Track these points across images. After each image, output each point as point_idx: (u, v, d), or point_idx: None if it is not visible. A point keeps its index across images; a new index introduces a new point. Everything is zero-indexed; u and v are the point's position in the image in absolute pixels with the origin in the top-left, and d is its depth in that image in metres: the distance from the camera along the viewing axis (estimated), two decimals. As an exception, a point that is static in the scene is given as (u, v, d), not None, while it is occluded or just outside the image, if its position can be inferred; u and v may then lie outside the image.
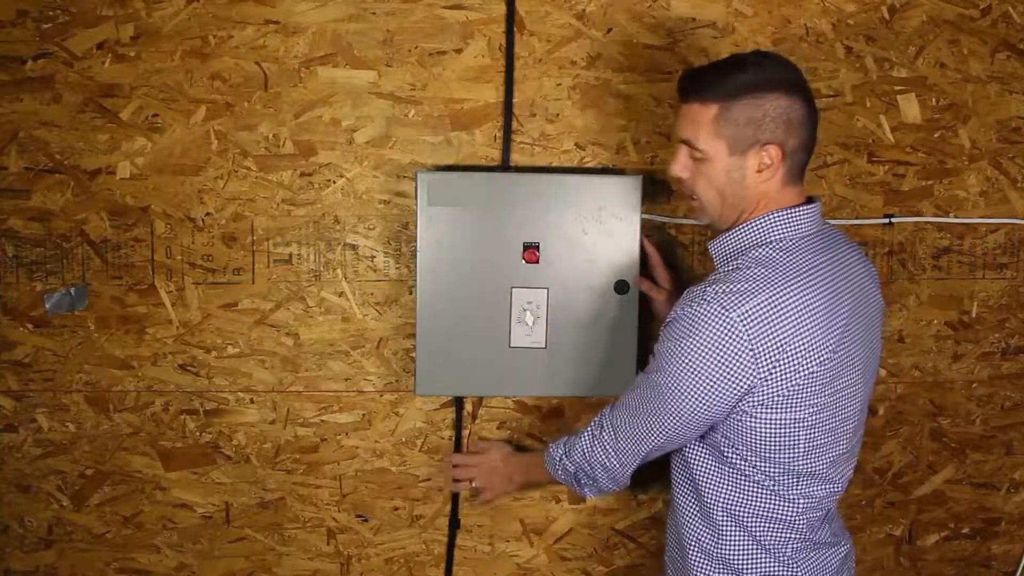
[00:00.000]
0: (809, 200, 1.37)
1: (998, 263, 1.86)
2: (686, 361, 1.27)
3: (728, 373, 1.25)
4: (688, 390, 1.28)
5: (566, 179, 1.65)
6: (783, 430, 1.30)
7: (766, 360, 1.25)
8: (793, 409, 1.28)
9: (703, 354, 1.25)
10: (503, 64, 1.70)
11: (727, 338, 1.24)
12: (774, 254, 1.30)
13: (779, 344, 1.25)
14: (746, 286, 1.25)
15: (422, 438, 1.80)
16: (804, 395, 1.28)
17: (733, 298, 1.24)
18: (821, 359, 1.28)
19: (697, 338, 1.25)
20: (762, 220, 1.33)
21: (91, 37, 1.64)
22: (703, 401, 1.28)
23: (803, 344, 1.26)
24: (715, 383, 1.26)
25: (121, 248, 1.70)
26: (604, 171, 1.74)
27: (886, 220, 1.82)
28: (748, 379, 1.26)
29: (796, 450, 1.31)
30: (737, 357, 1.24)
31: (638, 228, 1.66)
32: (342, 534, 1.82)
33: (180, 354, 1.73)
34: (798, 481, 1.34)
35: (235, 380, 1.75)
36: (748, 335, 1.23)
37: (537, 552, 1.86)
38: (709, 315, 1.24)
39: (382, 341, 1.76)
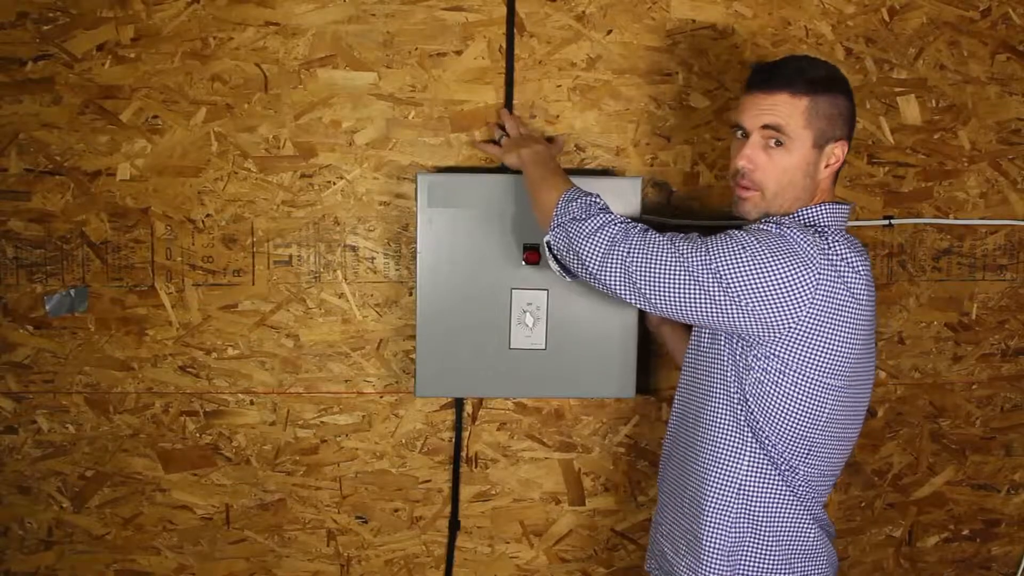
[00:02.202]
0: (843, 202, 1.43)
1: (998, 264, 1.86)
2: (757, 249, 1.28)
3: (800, 269, 1.26)
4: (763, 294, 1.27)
5: (566, 181, 1.65)
6: (812, 393, 1.31)
7: (826, 288, 1.27)
8: (829, 370, 1.30)
9: (777, 250, 1.28)
10: (503, 66, 1.70)
11: (803, 245, 1.28)
12: (830, 237, 1.33)
13: (841, 286, 1.28)
14: (813, 235, 1.30)
15: (422, 439, 1.80)
16: (841, 360, 1.30)
17: (805, 233, 1.29)
18: (864, 332, 1.32)
19: (770, 241, 1.29)
20: (818, 208, 1.37)
21: (91, 39, 1.64)
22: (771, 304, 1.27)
23: (857, 306, 1.29)
24: (788, 270, 1.27)
25: (121, 250, 1.70)
26: (604, 173, 1.74)
27: (886, 222, 1.82)
28: (811, 292, 1.26)
29: (818, 418, 1.33)
30: (809, 263, 1.26)
31: (638, 230, 1.66)
32: (342, 535, 1.82)
33: (180, 356, 1.73)
34: (808, 454, 1.35)
35: (235, 382, 1.75)
36: (822, 258, 1.27)
37: (537, 554, 1.86)
38: (782, 233, 1.29)
39: (382, 342, 1.76)
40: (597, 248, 1.34)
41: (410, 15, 1.68)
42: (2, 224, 1.68)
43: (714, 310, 1.29)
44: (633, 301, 1.34)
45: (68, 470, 1.75)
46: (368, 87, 1.69)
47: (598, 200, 1.39)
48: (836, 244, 1.30)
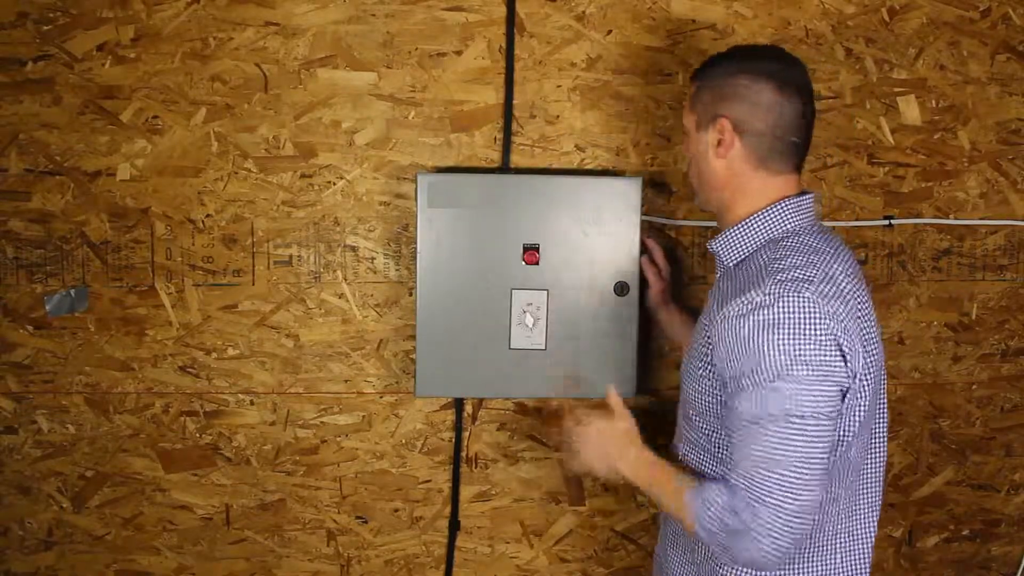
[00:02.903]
0: (803, 193, 1.32)
1: (998, 265, 1.86)
2: (790, 354, 1.16)
3: (831, 347, 1.17)
4: (816, 381, 1.16)
5: (566, 181, 1.65)
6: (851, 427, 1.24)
7: (847, 331, 1.19)
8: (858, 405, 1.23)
9: (800, 340, 1.16)
10: (503, 66, 1.70)
11: (813, 314, 1.16)
12: (797, 241, 1.26)
13: (851, 318, 1.20)
14: (798, 272, 1.19)
15: (422, 440, 1.80)
16: (864, 390, 1.23)
17: (794, 284, 1.18)
18: (875, 353, 1.25)
19: (784, 329, 1.16)
20: (766, 216, 1.28)
21: (91, 39, 1.64)
22: (833, 384, 1.17)
23: (864, 328, 1.23)
24: (829, 360, 1.17)
25: (121, 250, 1.70)
26: (604, 173, 1.74)
27: (886, 222, 1.82)
28: (843, 353, 1.18)
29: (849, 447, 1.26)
30: (830, 330, 1.17)
31: (638, 230, 1.66)
32: (342, 536, 1.82)
33: (180, 356, 1.73)
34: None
35: (235, 382, 1.75)
36: (829, 309, 1.17)
37: (537, 554, 1.86)
38: (784, 305, 1.17)
39: (382, 343, 1.76)
40: (763, 542, 1.15)
41: (410, 15, 1.68)
42: (2, 224, 1.68)
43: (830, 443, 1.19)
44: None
45: (68, 470, 1.75)
46: (368, 87, 1.69)
47: (709, 504, 1.20)
48: (816, 257, 1.22)
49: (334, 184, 1.71)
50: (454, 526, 1.83)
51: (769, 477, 1.14)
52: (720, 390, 1.26)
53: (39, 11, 1.62)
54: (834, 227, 1.80)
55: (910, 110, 1.80)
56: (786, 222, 1.29)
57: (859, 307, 1.23)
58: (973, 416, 1.91)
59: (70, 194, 1.67)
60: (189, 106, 1.67)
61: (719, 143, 1.30)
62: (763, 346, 1.16)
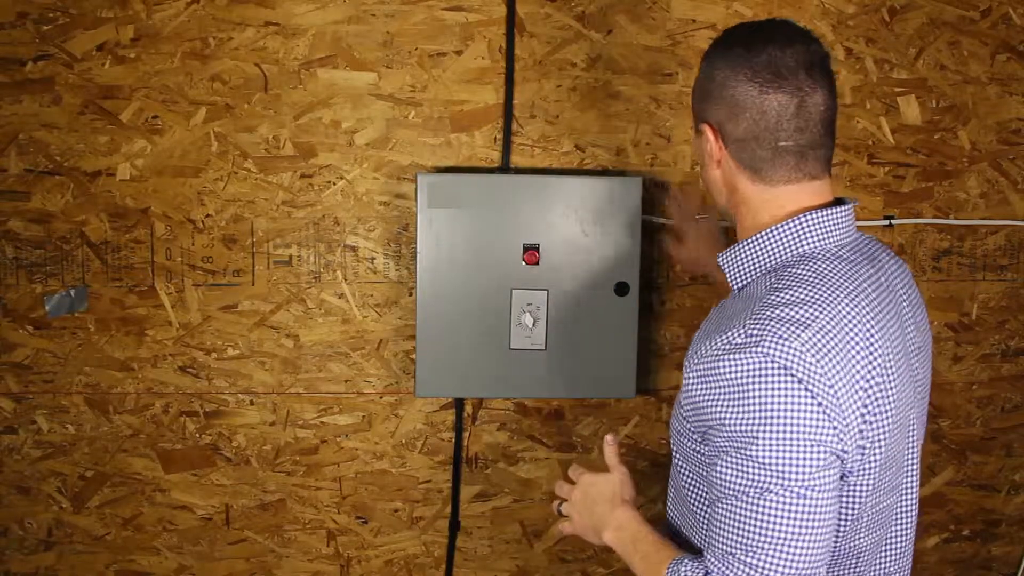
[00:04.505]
0: (838, 202, 1.07)
1: (998, 265, 1.86)
2: (766, 412, 0.94)
3: (816, 412, 0.94)
4: (799, 448, 0.94)
5: (566, 181, 1.65)
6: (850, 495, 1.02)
7: (837, 398, 0.96)
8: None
9: (779, 395, 0.94)
10: (503, 66, 1.70)
11: (796, 369, 0.94)
12: (808, 270, 1.02)
13: (850, 381, 0.97)
14: (794, 312, 0.97)
15: (422, 440, 1.80)
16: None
17: (782, 326, 0.96)
18: (888, 417, 1.01)
19: (762, 380, 0.95)
20: (791, 225, 1.04)
21: (91, 39, 1.64)
22: (824, 452, 0.94)
23: (880, 389, 0.99)
24: (814, 424, 0.94)
25: (121, 250, 1.70)
26: (604, 172, 1.74)
27: (886, 222, 1.81)
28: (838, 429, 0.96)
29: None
30: (815, 392, 0.94)
31: (638, 230, 1.66)
32: (342, 536, 1.82)
33: (180, 356, 1.73)
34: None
35: (235, 382, 1.75)
36: (818, 368, 0.95)
37: (537, 553, 1.86)
38: (763, 351, 0.95)
39: (382, 343, 1.76)
40: None
41: (410, 15, 1.68)
42: (2, 224, 1.68)
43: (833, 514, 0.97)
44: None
45: (68, 470, 1.75)
46: (368, 87, 1.69)
47: None
48: (825, 292, 0.98)
49: (334, 184, 1.71)
50: (454, 526, 1.83)
51: (753, 566, 0.94)
52: (699, 448, 1.05)
53: (39, 11, 1.62)
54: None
55: (910, 110, 1.79)
56: (800, 243, 1.04)
57: (875, 367, 0.99)
58: (973, 416, 1.91)
59: (70, 194, 1.67)
60: (189, 106, 1.67)
61: (708, 150, 1.07)
62: (738, 400, 0.95)
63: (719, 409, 0.97)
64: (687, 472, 1.11)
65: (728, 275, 1.10)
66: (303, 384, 1.76)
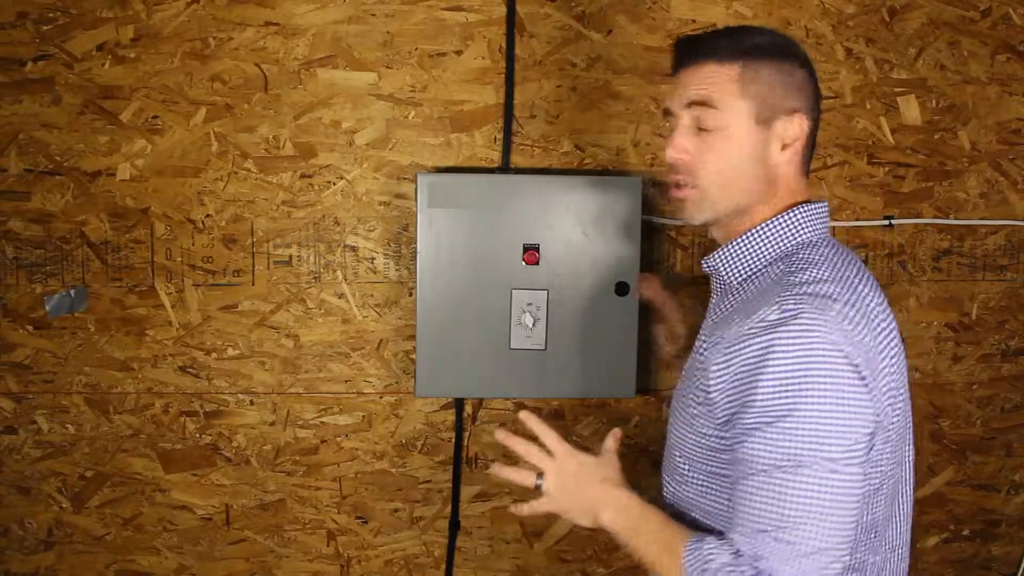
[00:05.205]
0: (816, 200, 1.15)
1: (998, 265, 1.86)
2: (807, 384, 0.95)
3: (855, 380, 0.97)
4: (839, 418, 0.95)
5: (566, 181, 1.65)
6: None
7: (871, 365, 0.99)
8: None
9: (821, 366, 0.95)
10: (503, 66, 1.70)
11: (837, 339, 0.96)
12: (817, 254, 1.06)
13: (877, 351, 1.01)
14: (822, 288, 1.00)
15: (422, 440, 1.80)
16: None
17: (817, 300, 0.98)
18: (903, 397, 1.06)
19: (801, 353, 0.96)
20: (790, 217, 1.08)
21: (91, 39, 1.64)
22: (860, 423, 0.96)
23: (893, 366, 1.03)
24: (854, 393, 0.96)
25: (121, 250, 1.70)
26: (604, 173, 1.74)
27: (886, 222, 1.81)
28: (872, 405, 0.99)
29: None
30: (854, 360, 0.97)
31: (638, 230, 1.66)
32: (342, 536, 1.82)
33: (180, 356, 1.73)
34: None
35: (235, 382, 1.75)
36: (855, 336, 0.98)
37: (537, 553, 1.86)
38: (803, 324, 0.97)
39: (382, 343, 1.76)
40: None
41: (410, 15, 1.68)
42: (2, 224, 1.68)
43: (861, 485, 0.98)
44: None
45: (68, 470, 1.75)
46: (368, 87, 1.69)
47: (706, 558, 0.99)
48: (847, 273, 1.03)
49: (334, 184, 1.71)
50: (454, 526, 1.83)
51: (784, 541, 0.94)
52: (717, 435, 1.04)
53: (39, 11, 1.62)
54: (834, 227, 1.80)
55: (910, 110, 1.79)
56: (804, 231, 1.09)
57: (888, 341, 1.04)
58: (973, 416, 1.91)
59: (70, 194, 1.67)
60: (189, 106, 1.67)
61: (786, 143, 1.08)
62: (775, 374, 0.95)
63: (753, 385, 0.97)
64: (689, 464, 1.11)
65: (725, 272, 1.12)
66: (303, 384, 1.76)
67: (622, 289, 1.67)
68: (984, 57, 1.80)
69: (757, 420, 0.97)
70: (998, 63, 1.80)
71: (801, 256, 1.06)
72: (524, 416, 1.14)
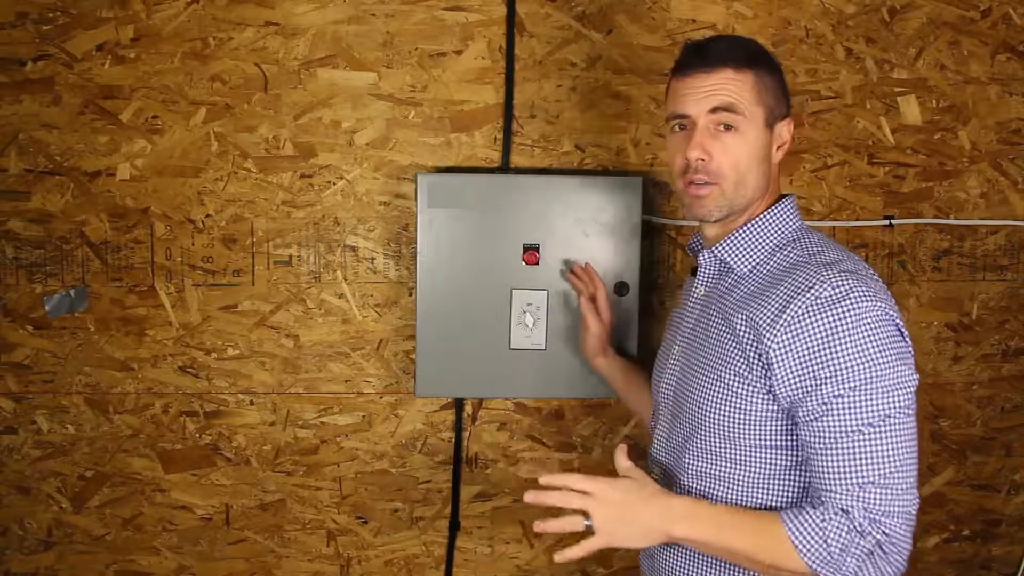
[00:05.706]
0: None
1: (998, 265, 1.86)
2: (879, 347, 1.09)
3: (905, 340, 1.13)
4: (905, 375, 1.10)
5: (566, 181, 1.65)
6: None
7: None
8: None
9: (884, 330, 1.09)
10: (503, 66, 1.70)
11: (885, 306, 1.11)
12: (817, 239, 1.21)
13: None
14: (850, 266, 1.14)
15: (422, 440, 1.80)
16: None
17: (855, 276, 1.11)
18: None
19: (867, 320, 1.09)
20: (784, 207, 1.24)
21: (91, 39, 1.64)
22: (914, 377, 1.11)
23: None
24: (907, 352, 1.12)
25: (121, 250, 1.70)
26: (604, 172, 1.74)
27: (886, 222, 1.81)
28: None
29: None
30: (899, 324, 1.12)
31: (638, 230, 1.66)
32: (342, 536, 1.82)
33: (180, 356, 1.73)
34: None
35: (235, 382, 1.75)
36: (893, 303, 1.13)
37: (537, 554, 1.86)
38: (859, 296, 1.09)
39: (382, 343, 1.76)
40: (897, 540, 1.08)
41: (410, 15, 1.68)
42: (2, 224, 1.68)
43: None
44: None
45: (68, 470, 1.75)
46: (368, 87, 1.69)
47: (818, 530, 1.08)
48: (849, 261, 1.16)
49: (334, 184, 1.71)
50: (454, 526, 1.83)
51: (887, 486, 1.06)
52: (777, 417, 1.14)
53: (39, 11, 1.62)
54: (834, 227, 1.80)
55: (910, 110, 1.79)
56: (794, 220, 1.24)
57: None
58: (973, 416, 1.91)
59: (70, 194, 1.67)
60: (189, 106, 1.67)
61: (781, 143, 1.24)
62: (849, 346, 1.08)
63: (828, 359, 1.08)
64: (736, 447, 1.18)
65: (737, 258, 1.23)
66: (303, 384, 1.76)
67: (622, 289, 1.67)
68: (984, 57, 1.80)
69: (840, 389, 1.08)
70: (998, 63, 1.80)
71: (805, 241, 1.20)
72: (544, 481, 1.16)
